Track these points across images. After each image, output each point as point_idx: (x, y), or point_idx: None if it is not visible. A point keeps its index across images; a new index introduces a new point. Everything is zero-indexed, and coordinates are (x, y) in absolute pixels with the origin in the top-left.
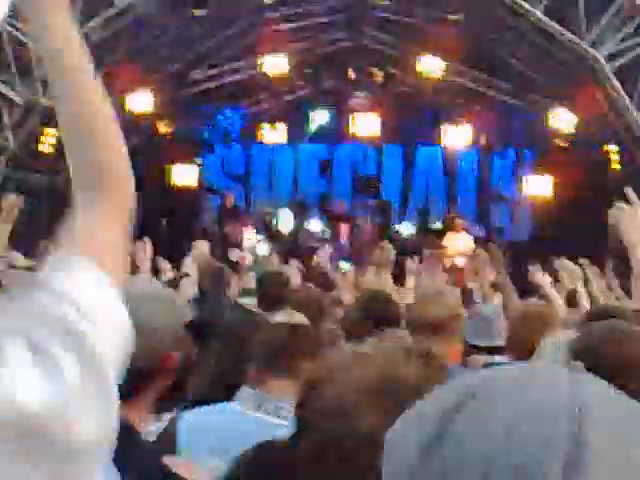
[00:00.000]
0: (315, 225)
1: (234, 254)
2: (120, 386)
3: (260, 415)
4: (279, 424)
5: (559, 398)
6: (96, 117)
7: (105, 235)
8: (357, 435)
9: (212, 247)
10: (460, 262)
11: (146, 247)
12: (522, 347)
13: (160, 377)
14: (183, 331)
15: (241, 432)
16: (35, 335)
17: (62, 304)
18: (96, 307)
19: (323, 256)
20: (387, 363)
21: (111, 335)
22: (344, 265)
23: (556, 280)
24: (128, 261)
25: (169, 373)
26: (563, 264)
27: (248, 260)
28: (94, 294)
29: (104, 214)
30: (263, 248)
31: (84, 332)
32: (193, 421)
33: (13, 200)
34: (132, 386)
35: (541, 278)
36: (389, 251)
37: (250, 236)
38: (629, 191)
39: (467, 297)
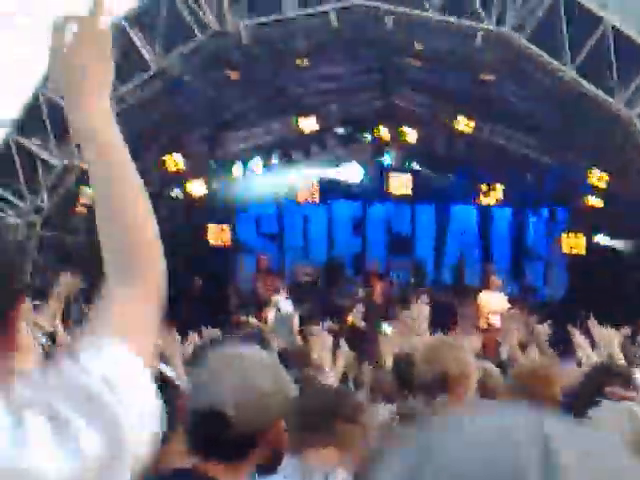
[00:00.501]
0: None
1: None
2: (228, 449)
3: None
4: None
5: (524, 428)
6: (128, 199)
7: (137, 316)
8: None
9: (244, 308)
10: (495, 321)
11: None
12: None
13: (266, 443)
14: (289, 400)
15: None
16: (56, 405)
17: (88, 376)
18: (124, 384)
19: (357, 314)
20: None
21: (138, 412)
22: (386, 327)
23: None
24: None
25: (274, 440)
26: (597, 331)
27: (270, 316)
28: (123, 372)
29: (136, 295)
30: (286, 306)
31: (107, 402)
32: None
33: (69, 280)
34: (240, 449)
35: (580, 339)
36: (425, 307)
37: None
38: None
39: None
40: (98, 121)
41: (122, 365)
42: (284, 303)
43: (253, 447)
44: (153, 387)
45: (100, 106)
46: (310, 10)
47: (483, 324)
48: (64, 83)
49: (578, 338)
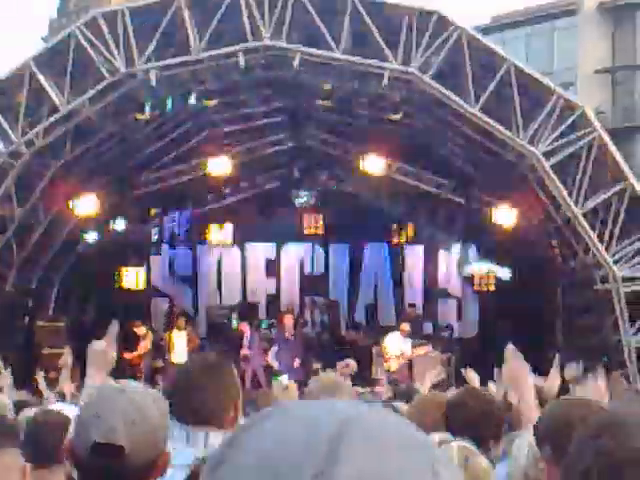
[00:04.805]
0: None
1: None
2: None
3: None
4: None
5: (321, 417)
6: None
7: None
8: None
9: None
10: (395, 366)
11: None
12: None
13: (155, 472)
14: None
15: None
16: None
17: None
18: None
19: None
20: None
21: None
22: (284, 379)
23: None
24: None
25: (162, 468)
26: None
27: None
28: None
29: None
30: None
31: None
32: None
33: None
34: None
35: (470, 376)
36: (353, 367)
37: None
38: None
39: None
40: None
41: None
42: None
43: (146, 477)
44: None
45: None
46: (217, 51)
47: (387, 367)
48: None
49: (469, 375)
